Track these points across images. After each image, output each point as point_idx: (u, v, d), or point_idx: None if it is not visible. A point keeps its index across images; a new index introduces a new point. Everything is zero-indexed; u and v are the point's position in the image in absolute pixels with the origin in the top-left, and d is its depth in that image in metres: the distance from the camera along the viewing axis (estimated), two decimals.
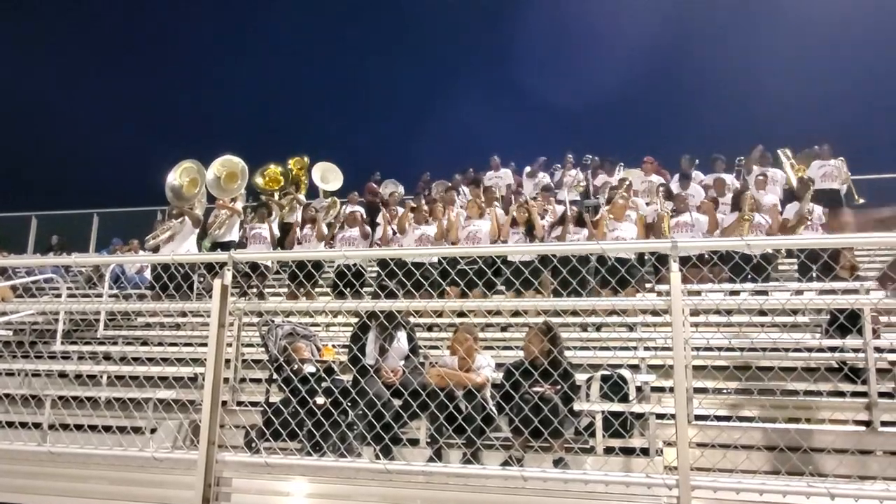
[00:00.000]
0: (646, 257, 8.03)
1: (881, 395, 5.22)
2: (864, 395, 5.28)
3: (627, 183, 10.34)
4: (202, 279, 8.36)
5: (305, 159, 11.88)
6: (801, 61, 22.42)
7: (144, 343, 7.98)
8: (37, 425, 5.67)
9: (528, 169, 12.87)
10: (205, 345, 3.41)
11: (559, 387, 4.84)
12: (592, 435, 4.83)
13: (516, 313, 6.80)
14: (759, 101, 22.57)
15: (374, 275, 9.36)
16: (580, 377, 5.28)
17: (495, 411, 5.07)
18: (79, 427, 4.16)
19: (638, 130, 22.77)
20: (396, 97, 28.02)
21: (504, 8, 26.95)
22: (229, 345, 4.69)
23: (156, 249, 9.54)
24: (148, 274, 10.38)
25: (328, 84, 28.55)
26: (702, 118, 21.96)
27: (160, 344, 7.63)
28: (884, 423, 5.05)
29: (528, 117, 25.92)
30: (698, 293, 6.82)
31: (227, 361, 4.70)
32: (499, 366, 5.52)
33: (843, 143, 11.26)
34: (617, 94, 23.59)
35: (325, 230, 9.81)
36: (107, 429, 4.21)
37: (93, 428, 4.12)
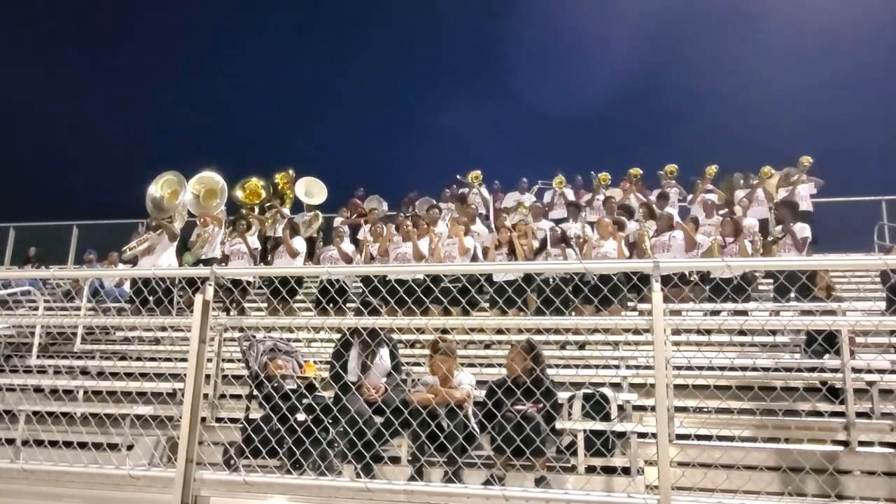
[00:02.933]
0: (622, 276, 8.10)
1: (858, 415, 5.27)
2: (842, 415, 5.34)
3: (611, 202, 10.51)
4: (182, 293, 8.28)
5: (291, 172, 11.88)
6: (791, 77, 22.80)
7: (123, 358, 7.87)
8: (10, 441, 5.54)
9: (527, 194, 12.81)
10: (184, 360, 3.37)
11: (541, 405, 4.84)
12: (574, 454, 4.83)
13: (499, 331, 6.80)
14: (748, 116, 22.91)
15: (357, 291, 9.34)
16: (562, 395, 5.29)
17: (477, 429, 5.05)
18: (53, 443, 4.08)
19: (626, 141, 23.01)
20: (383, 108, 27.90)
21: (493, 17, 27.05)
22: (209, 360, 4.65)
23: (133, 260, 9.44)
24: (127, 287, 10.26)
25: (314, 94, 28.48)
26: (691, 131, 22.22)
27: (139, 359, 7.53)
28: (861, 443, 5.09)
29: (518, 128, 26.03)
30: (679, 313, 6.90)
31: (207, 377, 4.66)
32: (481, 383, 5.51)
33: (824, 161, 11.55)
34: (605, 105, 23.74)
35: (295, 247, 9.66)
36: (82, 445, 4.14)
37: (68, 444, 4.04)
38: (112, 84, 26.29)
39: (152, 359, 7.21)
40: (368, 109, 27.41)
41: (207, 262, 9.45)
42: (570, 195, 12.24)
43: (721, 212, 10.17)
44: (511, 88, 26.66)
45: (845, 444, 5.14)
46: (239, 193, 11.10)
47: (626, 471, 4.72)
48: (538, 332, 5.82)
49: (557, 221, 10.67)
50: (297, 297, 9.60)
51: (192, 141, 24.27)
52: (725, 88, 23.85)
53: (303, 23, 28.32)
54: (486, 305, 8.29)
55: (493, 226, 10.62)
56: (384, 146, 26.91)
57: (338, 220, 11.97)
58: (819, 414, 5.51)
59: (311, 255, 10.71)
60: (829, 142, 18.79)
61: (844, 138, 19.92)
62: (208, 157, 10.90)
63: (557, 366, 6.20)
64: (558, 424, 4.97)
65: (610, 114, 24.02)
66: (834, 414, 5.51)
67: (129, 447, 5.42)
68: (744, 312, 6.97)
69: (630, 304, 7.99)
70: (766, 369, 5.95)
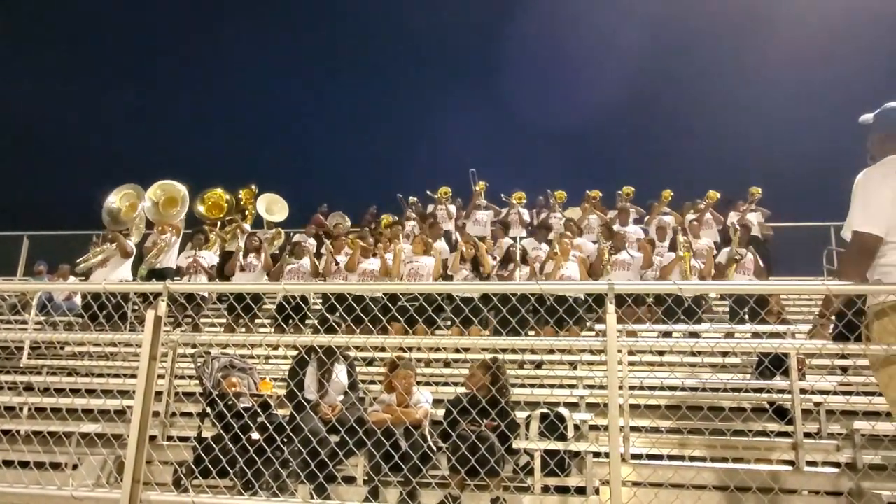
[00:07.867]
0: (583, 297, 8.18)
1: (806, 435, 5.41)
2: (789, 435, 5.47)
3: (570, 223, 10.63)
4: (136, 308, 8.09)
5: (254, 188, 11.75)
6: (768, 102, 23.17)
7: (70, 374, 7.62)
8: None
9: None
10: (135, 376, 3.29)
11: (497, 425, 4.85)
12: (530, 474, 4.84)
13: (458, 350, 6.80)
14: (736, 137, 23.27)
15: (316, 307, 9.24)
16: (519, 415, 5.30)
17: (434, 449, 5.02)
18: None
19: (621, 156, 23.22)
20: (372, 119, 27.51)
21: (485, 32, 26.84)
22: (161, 377, 4.55)
23: (88, 273, 9.19)
24: (78, 300, 9.97)
25: (301, 107, 28.02)
26: (686, 147, 22.47)
27: (87, 375, 7.30)
28: (808, 463, 5.22)
29: (504, 142, 25.96)
30: (634, 334, 6.99)
31: (158, 394, 4.54)
32: (439, 402, 5.49)
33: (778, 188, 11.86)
34: (600, 120, 23.55)
35: (270, 260, 9.63)
36: (24, 465, 4.00)
37: (8, 464, 3.90)
38: (67, 90, 25.51)
39: (101, 375, 7.01)
40: (357, 122, 27.12)
41: (162, 273, 9.27)
42: (526, 215, 12.25)
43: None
44: (504, 103, 26.41)
45: (792, 463, 5.27)
46: (200, 207, 10.91)
47: (581, 491, 4.75)
48: (495, 351, 5.85)
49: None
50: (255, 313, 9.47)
51: (153, 152, 23.76)
52: (720, 105, 23.97)
53: (281, 34, 27.90)
54: (446, 323, 8.29)
55: (455, 242, 10.65)
56: (378, 157, 26.69)
57: (298, 236, 11.82)
58: (767, 434, 5.64)
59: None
60: (784, 167, 19.28)
61: (799, 164, 20.37)
62: (170, 170, 10.73)
63: (514, 385, 6.22)
64: (514, 444, 4.98)
65: (605, 129, 23.98)
66: (781, 434, 5.65)
67: (74, 467, 5.24)
68: (696, 334, 7.11)
69: (587, 324, 8.08)
70: (716, 390, 6.07)
